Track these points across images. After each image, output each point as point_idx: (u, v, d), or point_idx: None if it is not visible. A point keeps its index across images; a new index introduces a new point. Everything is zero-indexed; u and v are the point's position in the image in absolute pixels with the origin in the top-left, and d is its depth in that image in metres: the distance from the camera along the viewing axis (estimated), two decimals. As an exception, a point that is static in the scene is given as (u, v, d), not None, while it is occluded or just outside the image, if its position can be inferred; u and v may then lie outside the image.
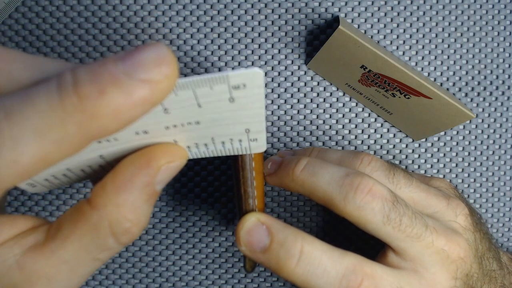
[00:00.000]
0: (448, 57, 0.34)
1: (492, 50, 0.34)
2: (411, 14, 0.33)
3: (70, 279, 0.16)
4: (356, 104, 0.34)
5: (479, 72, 0.34)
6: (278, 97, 0.33)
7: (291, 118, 0.33)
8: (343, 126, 0.34)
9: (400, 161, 0.34)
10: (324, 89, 0.33)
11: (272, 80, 0.33)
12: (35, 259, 0.15)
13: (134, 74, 0.13)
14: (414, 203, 0.25)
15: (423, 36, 0.33)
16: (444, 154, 0.34)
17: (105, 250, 0.16)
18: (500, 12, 0.33)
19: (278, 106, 0.33)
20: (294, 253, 0.22)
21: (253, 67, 0.14)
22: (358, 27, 0.33)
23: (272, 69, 0.33)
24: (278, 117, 0.33)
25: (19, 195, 0.33)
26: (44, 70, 0.15)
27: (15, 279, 0.15)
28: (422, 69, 0.34)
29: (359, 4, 0.33)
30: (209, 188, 0.34)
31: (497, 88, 0.34)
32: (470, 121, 0.34)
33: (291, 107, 0.33)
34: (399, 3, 0.33)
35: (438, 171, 0.34)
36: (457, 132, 0.34)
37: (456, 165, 0.34)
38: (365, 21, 0.33)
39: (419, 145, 0.34)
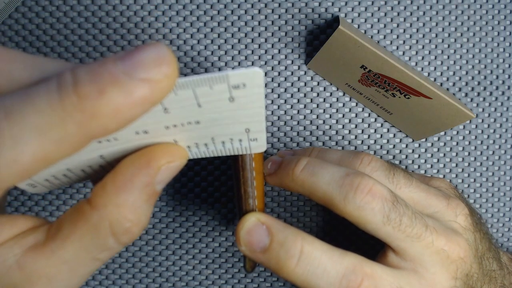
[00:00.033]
0: (448, 57, 0.34)
1: (492, 50, 0.34)
2: (411, 14, 0.33)
3: (70, 279, 0.16)
4: (356, 104, 0.34)
5: (479, 72, 0.34)
6: (278, 97, 0.33)
7: (291, 118, 0.33)
8: (343, 126, 0.34)
9: (400, 161, 0.34)
10: (324, 89, 0.33)
11: (272, 80, 0.33)
12: (35, 259, 0.15)
13: (134, 73, 0.13)
14: (414, 203, 0.25)
15: (423, 36, 0.33)
16: (444, 154, 0.34)
17: (105, 250, 0.16)
18: (500, 12, 0.33)
19: (278, 106, 0.33)
20: (294, 253, 0.22)
21: (253, 66, 0.14)
22: (358, 27, 0.33)
23: (272, 69, 0.33)
24: (278, 117, 0.33)
25: (19, 195, 0.33)
26: (44, 70, 0.15)
27: (15, 279, 0.15)
28: (422, 69, 0.34)
29: (359, 4, 0.33)
30: (209, 188, 0.34)
31: (497, 88, 0.34)
32: (470, 121, 0.34)
33: (291, 107, 0.33)
34: (399, 3, 0.33)
35: (438, 171, 0.34)
36: (457, 132, 0.34)
37: (456, 165, 0.34)
38: (365, 21, 0.33)
39: (419, 145, 0.34)
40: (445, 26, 0.33)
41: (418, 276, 0.23)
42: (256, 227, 0.23)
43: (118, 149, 0.17)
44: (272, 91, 0.33)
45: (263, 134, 0.18)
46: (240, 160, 0.24)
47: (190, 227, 0.34)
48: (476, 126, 0.34)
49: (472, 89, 0.34)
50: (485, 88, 0.34)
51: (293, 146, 0.34)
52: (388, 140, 0.34)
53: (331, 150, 0.28)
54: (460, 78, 0.34)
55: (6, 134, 0.13)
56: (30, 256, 0.15)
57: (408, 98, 0.30)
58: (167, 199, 0.34)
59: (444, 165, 0.34)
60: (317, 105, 0.33)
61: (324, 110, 0.34)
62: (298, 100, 0.33)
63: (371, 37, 0.33)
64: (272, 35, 0.33)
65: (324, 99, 0.33)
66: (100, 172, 0.19)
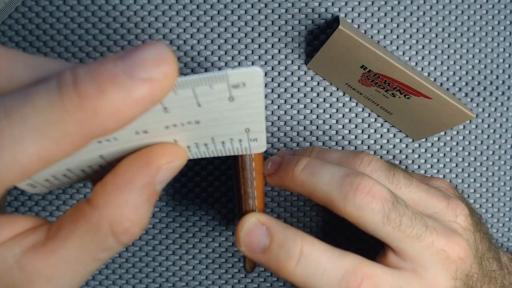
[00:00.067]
0: (448, 57, 0.34)
1: (492, 50, 0.34)
2: (411, 14, 0.33)
3: (70, 279, 0.16)
4: (356, 104, 0.34)
5: (479, 72, 0.34)
6: (278, 97, 0.33)
7: (291, 118, 0.33)
8: (343, 126, 0.34)
9: (400, 161, 0.34)
10: (324, 89, 0.33)
11: (272, 80, 0.33)
12: (36, 259, 0.15)
13: (134, 73, 0.13)
14: (414, 203, 0.25)
15: (423, 36, 0.33)
16: (444, 154, 0.34)
17: (106, 250, 0.16)
18: (500, 12, 0.33)
19: (278, 106, 0.33)
20: (293, 254, 0.22)
21: (253, 66, 0.14)
22: (358, 27, 0.33)
23: (272, 69, 0.33)
24: (278, 117, 0.33)
25: (19, 195, 0.33)
26: (44, 70, 0.15)
27: (15, 279, 0.15)
28: (422, 69, 0.34)
29: (359, 4, 0.33)
30: (209, 188, 0.34)
31: (497, 88, 0.34)
32: (470, 121, 0.34)
33: (291, 107, 0.33)
34: (399, 3, 0.33)
35: (438, 171, 0.34)
36: (457, 132, 0.34)
37: (456, 165, 0.34)
38: (365, 21, 0.33)
39: (419, 145, 0.34)
40: (445, 26, 0.33)
41: (418, 276, 0.23)
42: (256, 228, 0.23)
43: (118, 149, 0.17)
44: (272, 91, 0.33)
45: (263, 134, 0.18)
46: (240, 160, 0.24)
47: (190, 227, 0.34)
48: (476, 126, 0.34)
49: (472, 89, 0.34)
50: (485, 88, 0.34)
51: (293, 146, 0.34)
52: (388, 140, 0.34)
53: (331, 150, 0.28)
54: (460, 78, 0.34)
55: (6, 133, 0.13)
56: (30, 256, 0.15)
57: (408, 98, 0.30)
58: (167, 199, 0.34)
59: (444, 165, 0.34)
60: (317, 105, 0.33)
61: (324, 110, 0.34)
62: (298, 100, 0.33)
63: (371, 37, 0.33)
64: (272, 35, 0.33)
65: (324, 99, 0.33)
66: (100, 172, 0.19)
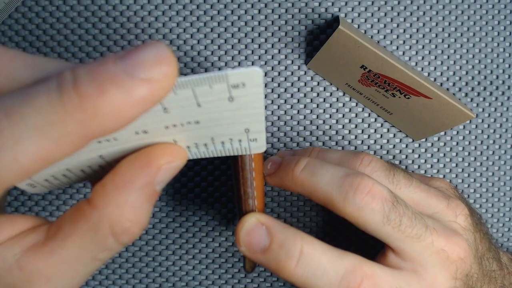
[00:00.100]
0: (448, 57, 0.34)
1: (492, 50, 0.34)
2: (411, 14, 0.33)
3: (70, 279, 0.16)
4: (356, 104, 0.34)
5: (479, 72, 0.34)
6: (278, 97, 0.33)
7: (291, 118, 0.33)
8: (343, 126, 0.34)
9: (400, 161, 0.34)
10: (324, 89, 0.33)
11: (272, 80, 0.33)
12: (35, 258, 0.15)
13: (134, 73, 0.13)
14: (414, 203, 0.25)
15: (423, 36, 0.33)
16: (444, 154, 0.34)
17: (105, 250, 0.16)
18: (500, 12, 0.33)
19: (278, 106, 0.33)
20: (293, 254, 0.22)
21: (253, 66, 0.14)
22: (358, 27, 0.33)
23: (272, 69, 0.33)
24: (278, 117, 0.33)
25: (19, 195, 0.33)
26: (44, 70, 0.15)
27: (15, 279, 0.15)
28: (422, 69, 0.34)
29: (359, 4, 0.33)
30: (209, 188, 0.34)
31: (497, 88, 0.34)
32: (470, 121, 0.34)
33: (291, 107, 0.33)
34: (399, 3, 0.33)
35: (438, 171, 0.34)
36: (457, 132, 0.34)
37: (456, 165, 0.34)
38: (365, 21, 0.33)
39: (419, 145, 0.34)
40: (445, 26, 0.33)
41: (418, 276, 0.23)
42: (256, 228, 0.23)
43: (118, 149, 0.17)
44: (272, 91, 0.33)
45: (262, 134, 0.18)
46: (240, 160, 0.24)
47: (190, 227, 0.34)
48: (476, 126, 0.34)
49: (472, 89, 0.34)
50: (485, 88, 0.34)
51: (293, 146, 0.34)
52: (388, 140, 0.34)
53: (331, 150, 0.28)
54: (460, 78, 0.34)
55: (6, 133, 0.13)
56: (30, 255, 0.15)
57: (408, 98, 0.30)
58: (167, 199, 0.34)
59: (444, 165, 0.34)
60: (317, 105, 0.33)
61: (324, 110, 0.34)
62: (298, 100, 0.33)
63: (371, 37, 0.33)
64: (272, 35, 0.33)
65: (324, 99, 0.33)
66: (100, 172, 0.19)
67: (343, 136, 0.34)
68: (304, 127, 0.34)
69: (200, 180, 0.34)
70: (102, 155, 0.17)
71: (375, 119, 0.34)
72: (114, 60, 0.13)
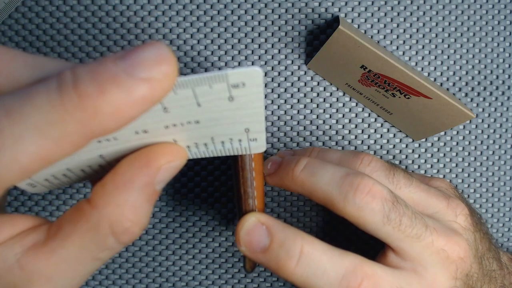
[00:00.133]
0: (448, 57, 0.34)
1: (492, 50, 0.34)
2: (411, 14, 0.33)
3: (71, 279, 0.16)
4: (356, 104, 0.34)
5: (479, 72, 0.34)
6: (278, 97, 0.33)
7: (291, 118, 0.33)
8: (343, 126, 0.34)
9: (400, 161, 0.34)
10: (324, 89, 0.33)
11: (272, 80, 0.33)
12: (36, 258, 0.15)
13: (134, 72, 0.13)
14: (414, 203, 0.25)
15: (423, 36, 0.33)
16: (444, 154, 0.34)
17: (106, 249, 0.16)
18: (500, 12, 0.33)
19: (278, 106, 0.33)
20: (294, 254, 0.22)
21: (253, 66, 0.14)
22: (358, 27, 0.33)
23: (272, 69, 0.33)
24: (278, 117, 0.33)
25: (19, 195, 0.33)
26: (44, 70, 0.15)
27: (15, 278, 0.15)
28: (422, 69, 0.34)
29: (359, 4, 0.33)
30: (209, 188, 0.34)
31: (497, 88, 0.34)
32: (470, 121, 0.34)
33: (291, 107, 0.33)
34: (399, 3, 0.33)
35: (438, 171, 0.34)
36: (457, 132, 0.34)
37: (456, 165, 0.34)
38: (365, 21, 0.33)
39: (419, 145, 0.34)
40: (445, 26, 0.33)
41: (418, 276, 0.23)
42: (256, 228, 0.23)
43: (118, 149, 0.17)
44: (272, 91, 0.33)
45: (262, 134, 0.18)
46: (240, 160, 0.24)
47: (190, 227, 0.34)
48: (476, 126, 0.34)
49: (472, 89, 0.34)
50: (485, 88, 0.34)
51: (293, 146, 0.34)
52: (388, 140, 0.34)
53: (331, 150, 0.28)
54: (460, 78, 0.34)
55: (6, 133, 0.13)
56: (31, 255, 0.15)
57: (408, 98, 0.30)
58: (167, 199, 0.34)
59: (444, 165, 0.34)
60: (317, 105, 0.33)
61: (324, 110, 0.34)
62: (298, 100, 0.33)
63: (371, 37, 0.33)
64: (272, 35, 0.33)
65: (324, 99, 0.33)
66: (100, 172, 0.19)
67: (343, 136, 0.34)
68: (304, 127, 0.34)
69: (200, 180, 0.34)
70: (102, 154, 0.17)
71: (375, 119, 0.34)
72: (114, 60, 0.13)
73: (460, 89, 0.34)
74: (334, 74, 0.32)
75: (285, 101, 0.33)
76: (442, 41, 0.33)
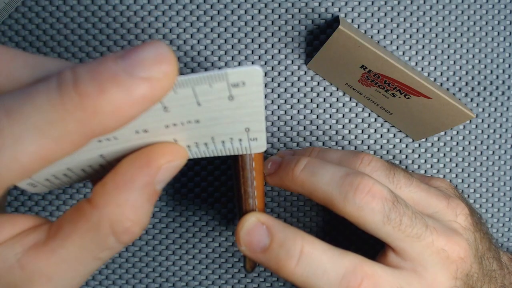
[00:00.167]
0: (448, 57, 0.34)
1: (492, 50, 0.34)
2: (411, 14, 0.33)
3: (71, 278, 0.16)
4: (356, 104, 0.34)
5: (479, 72, 0.34)
6: (278, 97, 0.33)
7: (291, 118, 0.33)
8: (343, 126, 0.34)
9: (400, 161, 0.34)
10: (324, 89, 0.33)
11: (272, 80, 0.33)
12: (36, 258, 0.15)
13: (134, 72, 0.13)
14: (414, 203, 0.25)
15: (423, 36, 0.33)
16: (444, 154, 0.34)
17: (106, 249, 0.16)
18: (500, 12, 0.34)
19: (278, 106, 0.33)
20: (294, 253, 0.22)
21: (253, 65, 0.14)
22: (358, 27, 0.33)
23: (272, 69, 0.33)
24: (278, 117, 0.33)
25: (19, 195, 0.33)
26: (44, 69, 0.15)
27: (16, 278, 0.15)
28: (422, 69, 0.34)
29: (359, 4, 0.33)
30: (209, 188, 0.34)
31: (497, 88, 0.34)
32: (470, 121, 0.34)
33: (291, 107, 0.33)
34: (399, 3, 0.33)
35: (438, 171, 0.34)
36: (457, 132, 0.34)
37: (456, 165, 0.34)
38: (365, 21, 0.33)
39: (419, 145, 0.34)
40: (445, 26, 0.33)
41: (418, 276, 0.23)
42: (256, 227, 0.23)
43: (118, 149, 0.17)
44: (272, 91, 0.33)
45: (263, 133, 0.18)
46: (240, 160, 0.24)
47: (190, 227, 0.34)
48: (476, 126, 0.34)
49: (472, 89, 0.34)
50: (485, 88, 0.34)
51: (293, 146, 0.34)
52: (388, 140, 0.34)
53: (331, 150, 0.28)
54: (460, 78, 0.34)
55: (6, 132, 0.13)
56: (31, 255, 0.15)
57: (408, 98, 0.30)
58: (167, 199, 0.34)
59: (444, 165, 0.34)
60: (317, 105, 0.33)
61: (324, 110, 0.34)
62: (298, 100, 0.33)
63: (371, 37, 0.33)
64: (272, 35, 0.33)
65: (324, 99, 0.33)
66: (101, 172, 0.19)
67: (343, 136, 0.34)
68: (304, 127, 0.34)
69: (200, 180, 0.34)
70: (102, 154, 0.17)
71: (375, 119, 0.34)
72: (114, 59, 0.13)
73: (460, 89, 0.34)
74: (334, 74, 0.32)
75: (285, 101, 0.33)
76: (442, 41, 0.33)
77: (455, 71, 0.34)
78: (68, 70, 0.13)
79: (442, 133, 0.34)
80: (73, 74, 0.13)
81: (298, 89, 0.33)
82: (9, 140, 0.13)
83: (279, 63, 0.33)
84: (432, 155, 0.34)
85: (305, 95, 0.33)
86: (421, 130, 0.32)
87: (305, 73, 0.33)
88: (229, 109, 0.16)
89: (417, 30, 0.33)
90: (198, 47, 0.33)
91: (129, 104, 0.13)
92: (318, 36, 0.33)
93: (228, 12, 0.33)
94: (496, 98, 0.34)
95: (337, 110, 0.34)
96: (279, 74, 0.33)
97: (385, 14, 0.33)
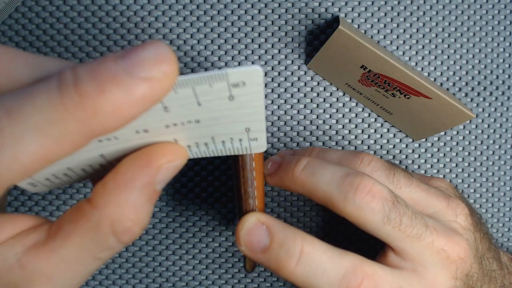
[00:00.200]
0: (448, 57, 0.34)
1: (492, 50, 0.34)
2: (411, 14, 0.33)
3: (71, 278, 0.16)
4: (356, 104, 0.34)
5: (479, 72, 0.34)
6: (278, 97, 0.33)
7: (291, 118, 0.33)
8: (343, 126, 0.34)
9: (400, 161, 0.34)
10: (324, 89, 0.33)
11: (272, 80, 0.33)
12: (37, 257, 0.15)
13: (134, 72, 0.13)
14: (414, 203, 0.25)
15: (423, 36, 0.33)
16: (444, 154, 0.34)
17: (106, 249, 0.16)
18: (500, 12, 0.34)
19: (278, 106, 0.33)
20: (294, 253, 0.22)
21: (253, 65, 0.14)
22: (358, 27, 0.33)
23: (272, 69, 0.33)
24: (278, 117, 0.33)
25: (19, 195, 0.33)
26: (45, 69, 0.15)
27: (16, 278, 0.15)
28: (422, 69, 0.34)
29: (359, 4, 0.33)
30: (209, 188, 0.34)
31: (497, 88, 0.34)
32: (470, 121, 0.34)
33: (291, 107, 0.33)
34: (399, 3, 0.33)
35: (438, 171, 0.34)
36: (457, 132, 0.34)
37: (456, 165, 0.34)
38: (365, 21, 0.33)
39: (419, 145, 0.34)
40: (445, 26, 0.33)
41: (418, 276, 0.23)
42: (256, 227, 0.23)
43: (119, 148, 0.17)
44: (272, 91, 0.33)
45: (263, 133, 0.18)
46: (240, 160, 0.24)
47: (190, 227, 0.34)
48: (476, 126, 0.34)
49: (472, 89, 0.34)
50: (485, 88, 0.34)
51: (293, 146, 0.34)
52: (388, 140, 0.34)
53: (331, 150, 0.28)
54: (460, 78, 0.34)
55: (6, 132, 0.13)
56: (31, 255, 0.15)
57: (408, 98, 0.30)
58: (167, 199, 0.34)
59: (444, 165, 0.34)
60: (317, 105, 0.33)
61: (324, 110, 0.34)
62: (298, 100, 0.33)
63: (371, 37, 0.33)
64: (272, 35, 0.33)
65: (324, 99, 0.33)
66: (101, 172, 0.19)
67: (343, 136, 0.34)
68: (304, 127, 0.34)
69: (200, 180, 0.34)
70: (103, 154, 0.17)
71: (375, 119, 0.34)
72: (114, 59, 0.13)
73: (460, 89, 0.34)
74: (334, 74, 0.32)
75: (285, 101, 0.33)
76: (442, 41, 0.33)
77: (455, 71, 0.34)
78: (69, 70, 0.13)
79: (442, 133, 0.34)
80: (73, 74, 0.13)
81: (298, 89, 0.33)
82: (10, 140, 0.13)
83: (279, 63, 0.33)
84: (432, 155, 0.34)
85: (305, 95, 0.33)
86: (421, 130, 0.32)
87: (305, 73, 0.33)
88: (229, 109, 0.16)
89: (417, 30, 0.33)
90: (198, 47, 0.33)
91: (129, 104, 0.13)
92: (318, 36, 0.33)
93: (228, 12, 0.33)
94: (496, 98, 0.34)
95: (337, 110, 0.34)
96: (279, 74, 0.33)
97: (385, 14, 0.33)
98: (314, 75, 0.33)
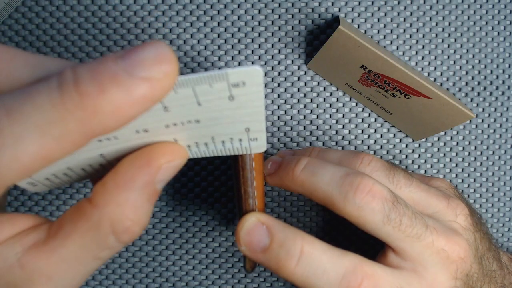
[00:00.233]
0: (448, 57, 0.34)
1: (492, 50, 0.34)
2: (411, 14, 0.33)
3: (71, 278, 0.16)
4: (356, 104, 0.34)
5: (479, 72, 0.34)
6: (278, 97, 0.33)
7: (291, 118, 0.33)
8: (343, 126, 0.34)
9: (400, 161, 0.34)
10: (324, 89, 0.33)
11: (272, 80, 0.33)
12: (37, 257, 0.15)
13: (134, 72, 0.13)
14: (414, 203, 0.25)
15: (423, 36, 0.33)
16: (444, 154, 0.34)
17: (106, 249, 0.16)
18: (500, 12, 0.34)
19: (278, 106, 0.33)
20: (294, 253, 0.22)
21: (253, 65, 0.14)
22: (358, 27, 0.33)
23: (272, 69, 0.33)
24: (278, 117, 0.33)
25: (19, 195, 0.33)
26: (45, 69, 0.15)
27: (16, 278, 0.15)
28: (422, 69, 0.34)
29: (359, 4, 0.33)
30: (209, 188, 0.34)
31: (497, 88, 0.34)
32: (470, 121, 0.34)
33: (291, 107, 0.33)
34: (399, 3, 0.33)
35: (438, 171, 0.34)
36: (457, 132, 0.34)
37: (456, 165, 0.34)
38: (365, 21, 0.33)
39: (419, 145, 0.34)
40: (445, 26, 0.33)
41: (418, 276, 0.23)
42: (256, 227, 0.23)
43: (119, 148, 0.17)
44: (272, 91, 0.33)
45: (263, 133, 0.18)
46: (240, 160, 0.24)
47: (190, 227, 0.34)
48: (476, 126, 0.34)
49: (472, 89, 0.34)
50: (485, 88, 0.34)
51: (293, 146, 0.34)
52: (388, 140, 0.34)
53: (331, 150, 0.28)
54: (460, 78, 0.34)
55: (6, 132, 0.13)
56: (31, 254, 0.15)
57: (408, 98, 0.30)
58: (167, 199, 0.34)
59: (444, 165, 0.34)
60: (317, 105, 0.33)
61: (324, 110, 0.34)
62: (298, 100, 0.33)
63: (371, 37, 0.33)
64: (272, 35, 0.33)
65: (324, 99, 0.34)
66: (101, 171, 0.19)
67: (343, 136, 0.34)
68: (304, 127, 0.34)
69: (200, 180, 0.34)
70: (103, 153, 0.17)
71: (375, 119, 0.34)
72: (114, 59, 0.13)
73: (460, 89, 0.34)
74: (334, 74, 0.32)
75: (285, 101, 0.33)
76: (442, 41, 0.33)
77: (455, 71, 0.34)
78: (69, 70, 0.13)
79: (442, 133, 0.34)
80: (73, 73, 0.13)
81: (298, 89, 0.33)
82: (10, 139, 0.13)
83: (279, 63, 0.33)
84: (432, 155, 0.34)
85: (305, 95, 0.33)
86: (421, 130, 0.32)
87: (305, 73, 0.33)
88: (229, 109, 0.16)
89: (417, 30, 0.33)
90: (198, 47, 0.33)
91: (129, 104, 0.13)
92: (318, 36, 0.33)
93: (228, 12, 0.33)
94: (496, 98, 0.34)
95: (337, 110, 0.34)
96: (279, 74, 0.33)
97: (385, 14, 0.33)
98: (314, 75, 0.33)
